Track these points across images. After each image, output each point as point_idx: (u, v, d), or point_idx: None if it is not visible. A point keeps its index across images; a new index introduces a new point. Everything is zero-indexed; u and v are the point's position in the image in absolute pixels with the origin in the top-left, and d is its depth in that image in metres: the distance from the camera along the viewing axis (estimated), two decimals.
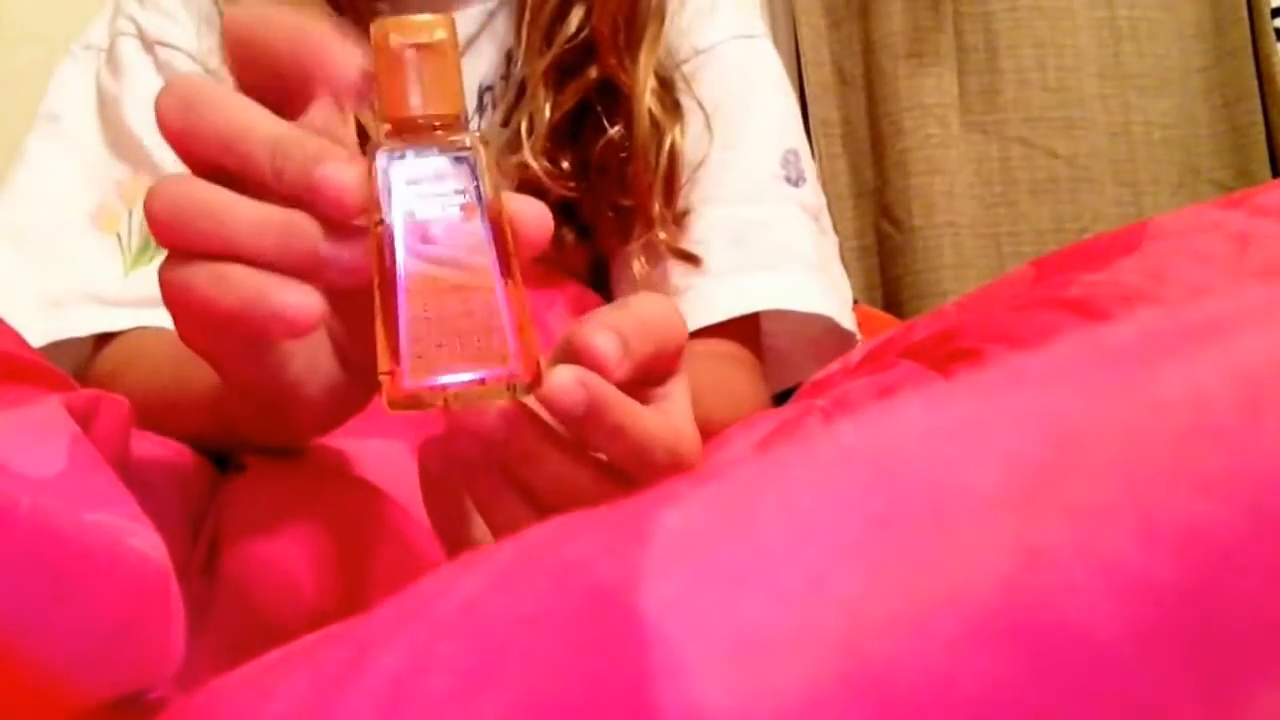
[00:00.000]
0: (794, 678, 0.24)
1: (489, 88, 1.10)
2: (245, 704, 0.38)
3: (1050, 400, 0.27)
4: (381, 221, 0.50)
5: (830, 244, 1.13)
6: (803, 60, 2.11)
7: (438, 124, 0.51)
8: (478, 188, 0.51)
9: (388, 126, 0.51)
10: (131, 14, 1.06)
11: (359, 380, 0.62)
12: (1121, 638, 0.22)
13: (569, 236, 1.06)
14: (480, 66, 1.09)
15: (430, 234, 0.50)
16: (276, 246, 0.51)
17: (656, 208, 1.02)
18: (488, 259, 0.51)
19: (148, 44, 1.05)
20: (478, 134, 0.52)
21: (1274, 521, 0.22)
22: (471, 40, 1.09)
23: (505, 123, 1.08)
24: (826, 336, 1.06)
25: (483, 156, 0.51)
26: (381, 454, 0.73)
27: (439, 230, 0.51)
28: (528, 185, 1.03)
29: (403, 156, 0.51)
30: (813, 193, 1.11)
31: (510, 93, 1.08)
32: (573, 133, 1.05)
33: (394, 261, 0.50)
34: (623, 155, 1.03)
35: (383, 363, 0.50)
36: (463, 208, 0.51)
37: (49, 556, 0.40)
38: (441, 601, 0.33)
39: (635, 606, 0.27)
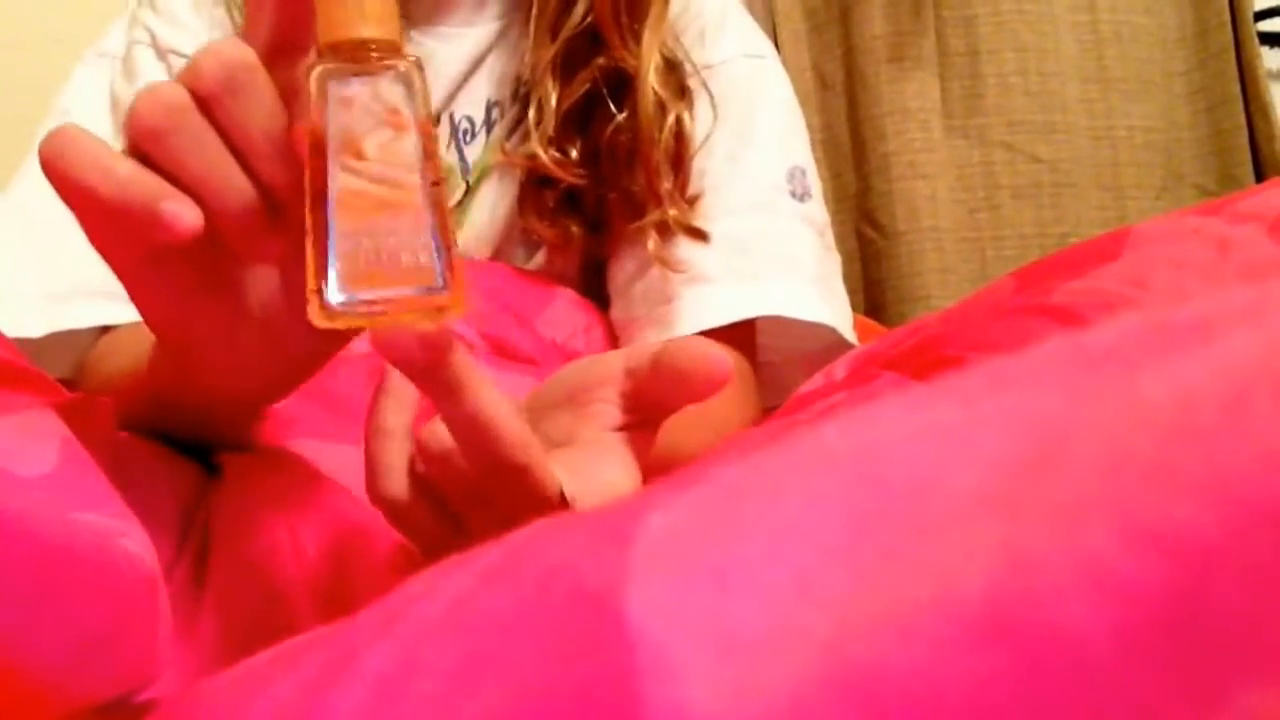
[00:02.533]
0: (779, 679, 0.24)
1: (496, 103, 1.10)
2: (232, 706, 0.38)
3: (1033, 402, 0.27)
4: (314, 138, 0.51)
5: (833, 261, 1.12)
6: (783, 65, 2.10)
7: (374, 48, 0.52)
8: (412, 109, 0.52)
9: (326, 49, 0.52)
10: (147, 23, 1.08)
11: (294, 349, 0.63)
12: (1104, 638, 0.22)
13: (575, 229, 1.06)
14: (489, 82, 1.10)
15: (363, 151, 0.51)
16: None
17: (665, 185, 1.02)
18: (416, 179, 0.51)
19: (161, 53, 1.06)
20: (414, 58, 0.52)
21: (1255, 522, 0.22)
22: (482, 57, 1.10)
23: (509, 135, 1.08)
24: (826, 353, 1.05)
25: (417, 79, 0.52)
26: (356, 461, 0.73)
27: (371, 148, 0.51)
28: (537, 175, 1.03)
29: (338, 77, 0.52)
30: (818, 209, 1.11)
31: (517, 108, 1.09)
32: (581, 122, 1.05)
33: (325, 177, 0.51)
34: (630, 138, 1.02)
35: (311, 279, 0.50)
36: (395, 127, 0.52)
37: (36, 560, 0.40)
38: (427, 604, 0.33)
39: (621, 608, 0.27)
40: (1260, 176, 2.11)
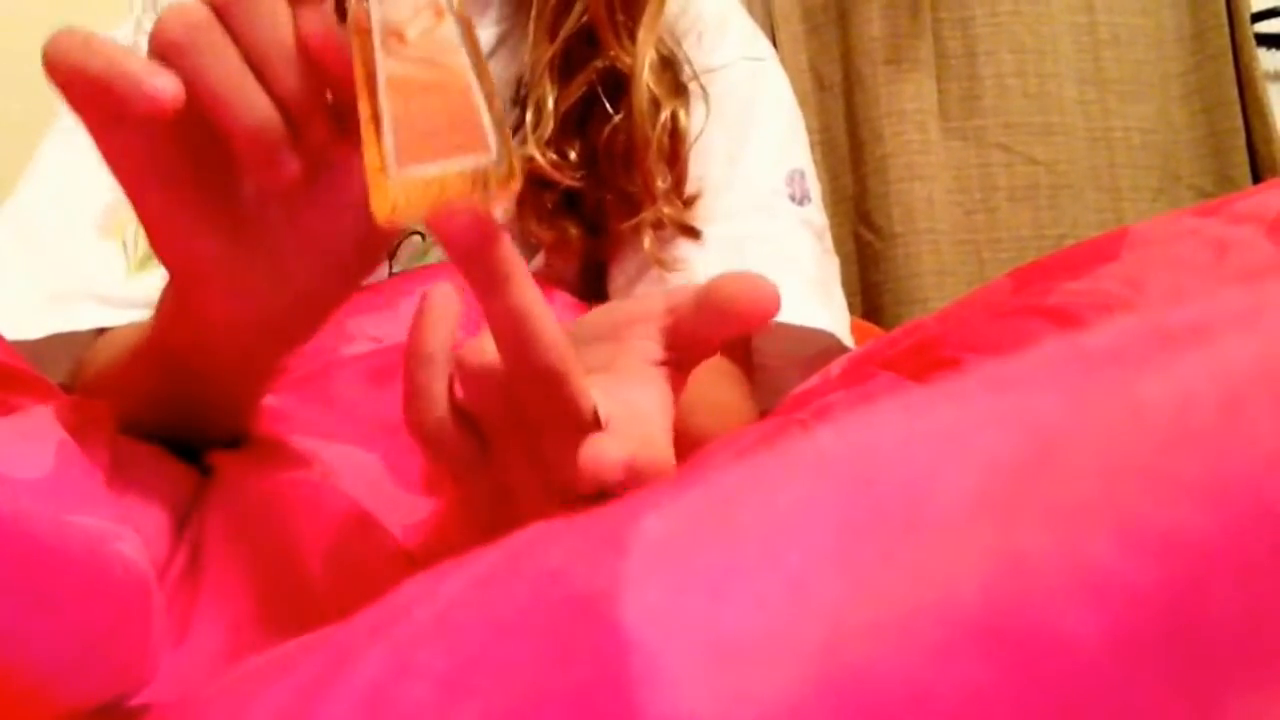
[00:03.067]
0: (774, 685, 0.24)
1: None
2: (227, 711, 0.37)
3: (1029, 405, 0.27)
4: (358, 27, 0.53)
5: (832, 264, 1.11)
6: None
7: None
8: None
9: None
10: (149, 29, 1.07)
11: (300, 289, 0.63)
12: (1101, 643, 0.22)
13: (573, 231, 1.06)
14: None
15: (406, 37, 0.53)
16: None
17: (660, 183, 1.01)
18: (461, 59, 0.52)
19: None
20: None
21: (1253, 526, 0.22)
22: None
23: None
24: (823, 356, 1.04)
25: None
26: (351, 460, 0.73)
27: (413, 34, 0.53)
28: (534, 178, 1.03)
29: None
30: (817, 213, 1.10)
31: (517, 112, 1.08)
32: (579, 124, 1.05)
33: (374, 64, 0.52)
34: (626, 137, 1.02)
35: (370, 159, 0.50)
36: (435, 12, 0.53)
37: (29, 563, 0.40)
38: (421, 609, 0.33)
39: (615, 614, 0.27)
40: (1257, 178, 2.12)
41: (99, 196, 1.00)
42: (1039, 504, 0.24)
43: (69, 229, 0.99)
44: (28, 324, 0.94)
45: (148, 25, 1.07)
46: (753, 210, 1.05)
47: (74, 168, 1.02)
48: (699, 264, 1.02)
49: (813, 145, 2.11)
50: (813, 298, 1.03)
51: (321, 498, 0.69)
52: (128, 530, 0.52)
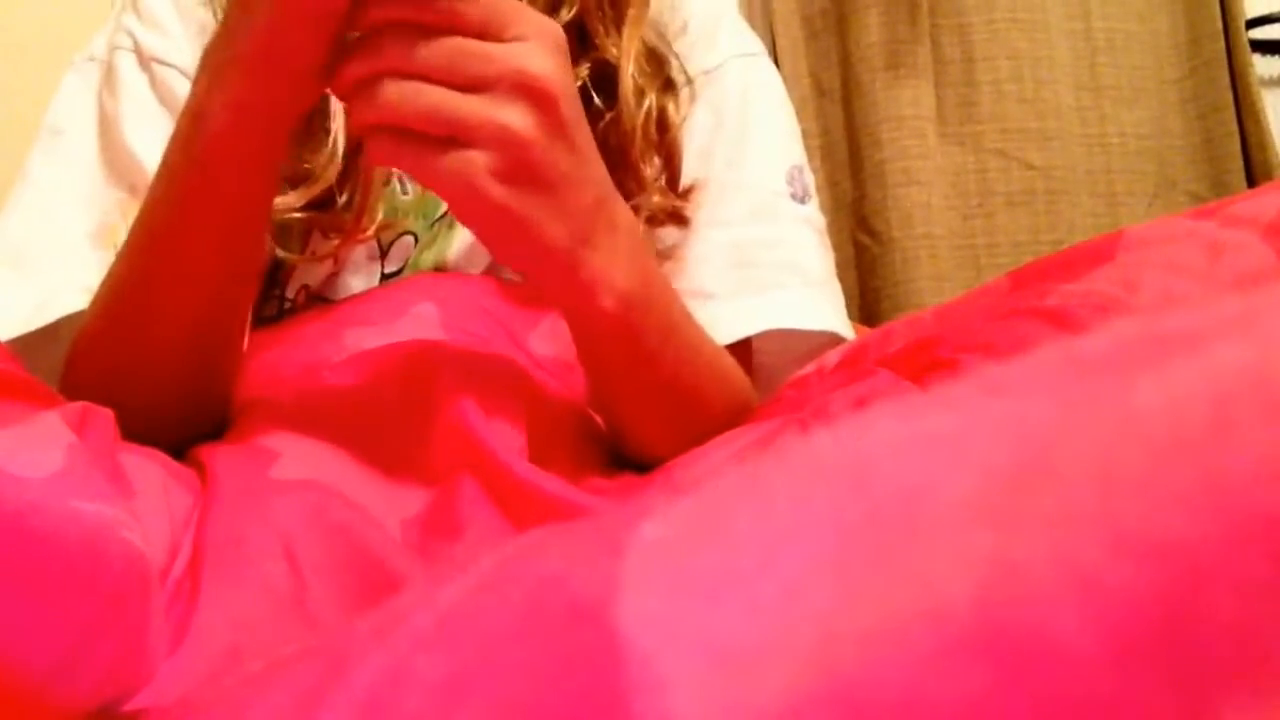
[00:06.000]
0: (770, 692, 0.24)
1: None
2: (223, 717, 0.37)
3: (1025, 411, 0.27)
4: None
5: (831, 258, 1.11)
6: (780, 72, 2.09)
7: None
8: None
9: None
10: (129, 28, 1.04)
11: None
12: (1096, 650, 0.22)
13: None
14: None
15: None
16: None
17: (646, 170, 1.01)
18: None
19: (144, 61, 1.03)
20: None
21: (1246, 534, 0.22)
22: None
23: None
24: (818, 349, 1.04)
25: None
26: (343, 459, 0.73)
27: None
28: None
29: None
30: (815, 209, 1.10)
31: None
32: None
33: None
34: (617, 130, 1.01)
35: None
36: None
37: (27, 545, 0.40)
38: (418, 616, 0.32)
39: (612, 621, 0.27)
40: (1252, 182, 2.12)
41: (92, 208, 0.98)
42: (1034, 511, 0.24)
43: (61, 243, 0.97)
44: (16, 326, 0.92)
45: (125, 22, 1.05)
46: (754, 214, 1.05)
47: (64, 178, 1.01)
48: (703, 270, 1.01)
49: (812, 151, 2.12)
50: (819, 300, 1.03)
51: (316, 498, 0.69)
52: (137, 523, 0.52)
